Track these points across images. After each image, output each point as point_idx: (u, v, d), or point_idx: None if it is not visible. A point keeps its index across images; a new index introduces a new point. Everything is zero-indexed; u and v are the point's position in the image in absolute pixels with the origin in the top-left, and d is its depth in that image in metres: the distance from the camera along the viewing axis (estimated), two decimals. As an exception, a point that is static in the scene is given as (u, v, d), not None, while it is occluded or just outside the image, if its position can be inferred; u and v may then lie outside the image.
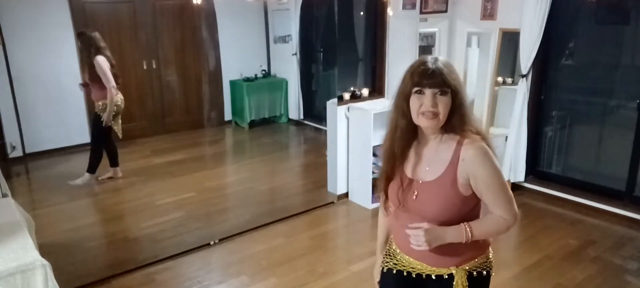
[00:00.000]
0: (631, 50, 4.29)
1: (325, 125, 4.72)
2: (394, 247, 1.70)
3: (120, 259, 3.47)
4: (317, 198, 4.55)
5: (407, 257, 1.62)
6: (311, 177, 5.17)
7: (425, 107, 1.43)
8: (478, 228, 1.49)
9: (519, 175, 4.61)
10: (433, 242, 1.45)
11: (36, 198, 4.55)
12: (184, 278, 3.24)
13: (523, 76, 4.40)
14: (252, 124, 6.87)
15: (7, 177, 3.42)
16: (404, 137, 1.53)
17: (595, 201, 4.27)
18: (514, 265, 3.42)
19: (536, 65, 4.41)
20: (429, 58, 1.47)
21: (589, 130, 4.64)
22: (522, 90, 4.43)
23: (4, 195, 2.68)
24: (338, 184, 4.54)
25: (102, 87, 4.37)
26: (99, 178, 4.69)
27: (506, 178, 4.77)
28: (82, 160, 4.69)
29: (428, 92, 1.43)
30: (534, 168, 4.76)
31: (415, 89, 1.45)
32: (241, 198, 4.74)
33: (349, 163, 4.52)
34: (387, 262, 1.71)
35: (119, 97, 4.52)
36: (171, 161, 5.42)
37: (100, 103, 4.46)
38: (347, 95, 4.53)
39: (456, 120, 1.48)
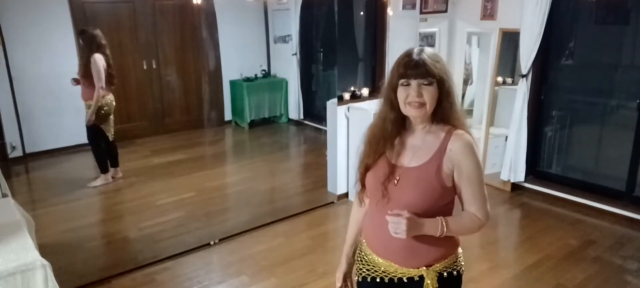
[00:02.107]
0: (631, 50, 4.29)
1: (325, 125, 4.72)
2: (363, 250, 1.70)
3: (120, 259, 3.47)
4: (317, 198, 4.55)
5: (377, 258, 1.63)
6: (311, 177, 5.17)
7: (411, 97, 1.48)
8: (453, 223, 1.51)
9: (519, 175, 4.61)
10: (412, 229, 1.45)
11: (36, 198, 4.55)
12: (184, 278, 3.24)
13: (523, 76, 4.40)
14: (252, 124, 6.87)
15: (7, 177, 3.42)
16: (392, 127, 1.57)
17: (595, 201, 4.26)
18: (514, 265, 3.42)
19: (536, 65, 4.41)
20: (415, 49, 1.51)
21: (589, 130, 4.63)
22: (522, 90, 4.44)
23: (4, 195, 2.68)
24: (338, 184, 4.54)
25: (92, 84, 4.34)
26: (90, 185, 4.67)
27: (506, 179, 4.80)
28: (82, 160, 4.70)
29: (413, 82, 1.47)
30: (534, 169, 4.76)
31: (402, 80, 1.49)
32: (241, 198, 4.73)
33: (349, 163, 4.52)
34: (360, 269, 1.71)
35: (109, 98, 4.49)
36: (171, 161, 5.43)
37: (89, 103, 4.43)
38: (347, 95, 4.53)
39: (445, 109, 1.51)
